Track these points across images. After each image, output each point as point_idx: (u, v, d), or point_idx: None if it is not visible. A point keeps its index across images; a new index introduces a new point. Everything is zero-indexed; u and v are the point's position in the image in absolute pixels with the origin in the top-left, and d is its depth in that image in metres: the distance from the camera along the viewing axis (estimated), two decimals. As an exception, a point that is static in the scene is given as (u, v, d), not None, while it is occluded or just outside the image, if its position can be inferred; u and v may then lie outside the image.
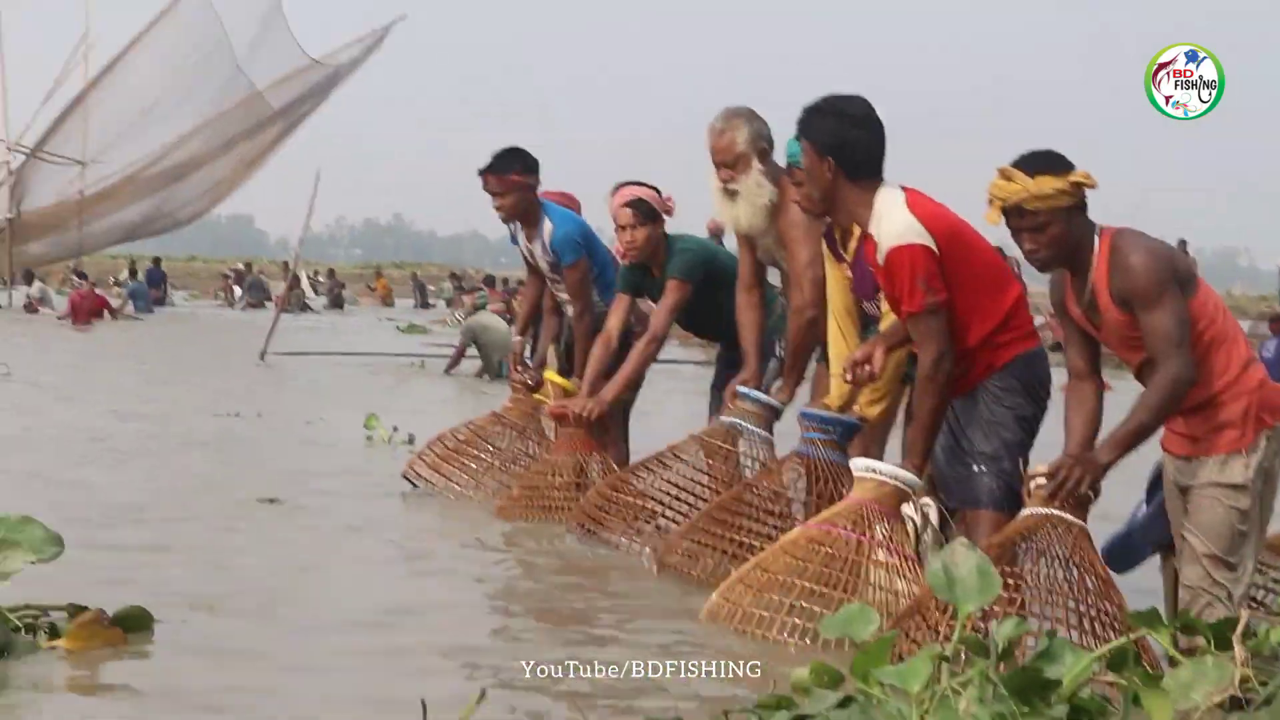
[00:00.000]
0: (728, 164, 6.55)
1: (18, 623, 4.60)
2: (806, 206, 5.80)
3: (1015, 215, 4.72)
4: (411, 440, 9.95)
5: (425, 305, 46.88)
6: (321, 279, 49.73)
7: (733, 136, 6.55)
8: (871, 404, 5.96)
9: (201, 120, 34.32)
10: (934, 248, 5.23)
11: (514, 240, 8.47)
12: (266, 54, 34.62)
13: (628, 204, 7.48)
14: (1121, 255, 4.68)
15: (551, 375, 8.25)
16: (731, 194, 6.54)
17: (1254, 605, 5.30)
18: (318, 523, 7.15)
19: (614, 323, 7.74)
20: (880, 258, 5.30)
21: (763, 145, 6.56)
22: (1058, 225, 4.69)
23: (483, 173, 8.14)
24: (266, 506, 7.47)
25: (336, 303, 43.25)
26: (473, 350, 18.41)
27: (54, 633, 4.65)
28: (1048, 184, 4.66)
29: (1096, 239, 4.75)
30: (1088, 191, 4.74)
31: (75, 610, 4.74)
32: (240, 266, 49.65)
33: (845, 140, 5.38)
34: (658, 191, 7.59)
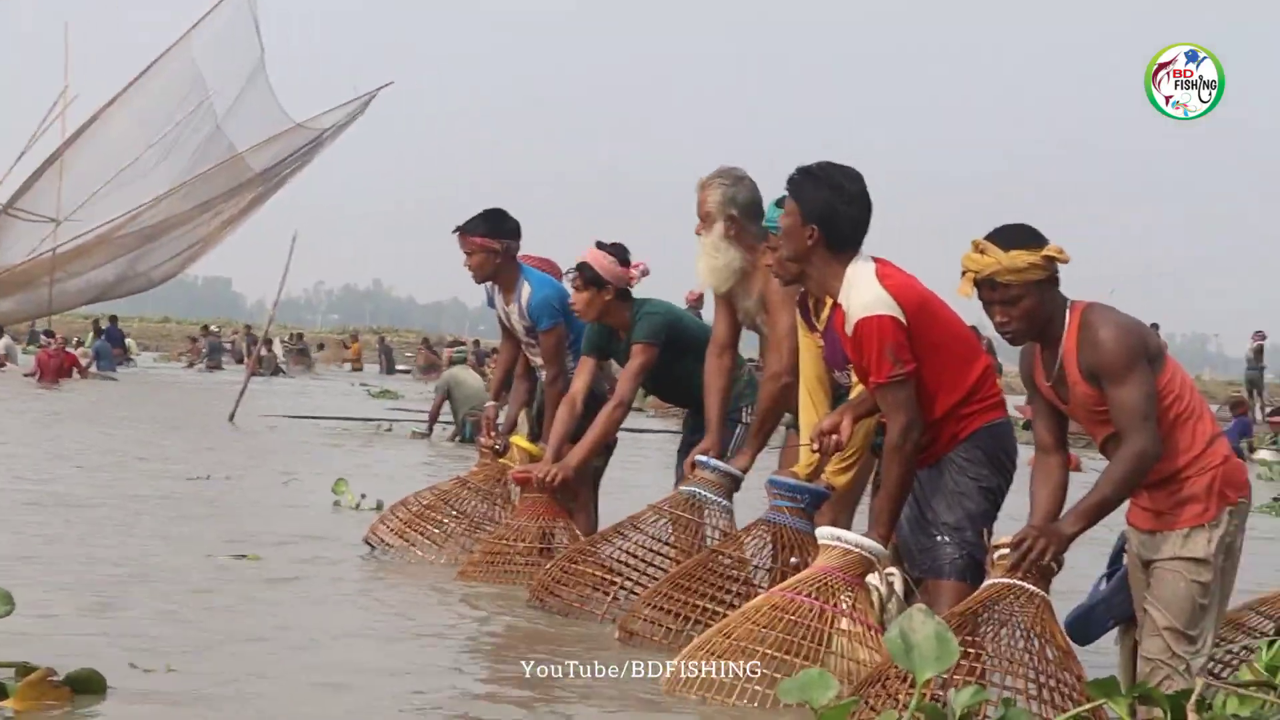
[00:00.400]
0: (700, 219, 6.68)
1: (-38, 684, 4.47)
2: (779, 271, 5.79)
3: (987, 288, 4.74)
4: (380, 506, 9.85)
5: (391, 370, 46.77)
6: (304, 346, 49.67)
7: (705, 195, 6.69)
8: (839, 473, 5.95)
9: (179, 180, 34.24)
10: (903, 319, 5.24)
11: (490, 303, 8.49)
12: (248, 116, 34.63)
13: (575, 267, 7.58)
14: (1092, 330, 4.69)
15: (519, 440, 8.22)
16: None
17: (1212, 677, 5.26)
18: (280, 587, 7.07)
19: (578, 386, 7.74)
20: (849, 328, 5.30)
21: (731, 211, 6.60)
22: (1030, 299, 4.71)
23: (457, 228, 8.23)
24: (228, 570, 7.40)
25: (302, 357, 43.18)
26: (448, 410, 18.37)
27: (2, 693, 4.52)
28: (1021, 258, 4.67)
29: (1067, 313, 4.76)
30: (1060, 266, 4.76)
31: (25, 670, 4.62)
32: (212, 328, 49.57)
33: (834, 214, 5.40)
34: (626, 256, 7.60)
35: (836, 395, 6.14)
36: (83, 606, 6.20)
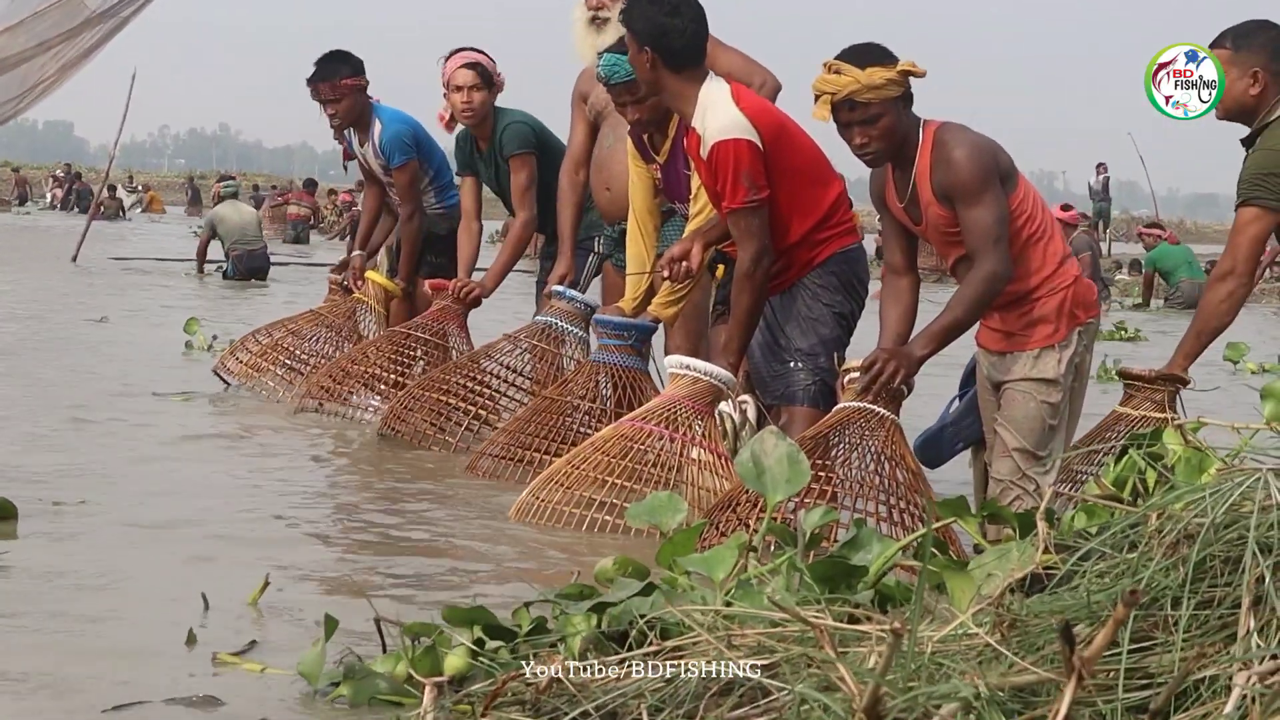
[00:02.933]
0: None
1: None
2: (643, 117, 5.63)
3: (846, 109, 4.63)
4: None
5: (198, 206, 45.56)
6: (138, 186, 48.38)
7: None
8: (666, 305, 5.85)
9: (14, 19, 32.94)
10: (759, 143, 5.14)
11: (351, 149, 8.27)
12: (82, -49, 33.32)
13: (468, 65, 7.27)
14: (945, 149, 4.63)
15: (373, 275, 8.09)
16: (601, 23, 6.29)
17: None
18: (137, 427, 6.87)
19: (469, 204, 7.58)
20: (704, 151, 5.18)
21: None
22: (889, 117, 4.62)
23: (312, 82, 7.93)
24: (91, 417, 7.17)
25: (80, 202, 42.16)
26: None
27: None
28: (878, 75, 4.58)
29: (920, 132, 4.68)
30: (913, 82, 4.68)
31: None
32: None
33: (663, 30, 5.23)
34: (491, 60, 7.39)
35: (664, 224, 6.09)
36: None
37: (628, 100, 5.67)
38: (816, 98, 4.67)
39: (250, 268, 17.63)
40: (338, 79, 7.86)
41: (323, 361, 8.07)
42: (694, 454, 5.18)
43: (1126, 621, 2.24)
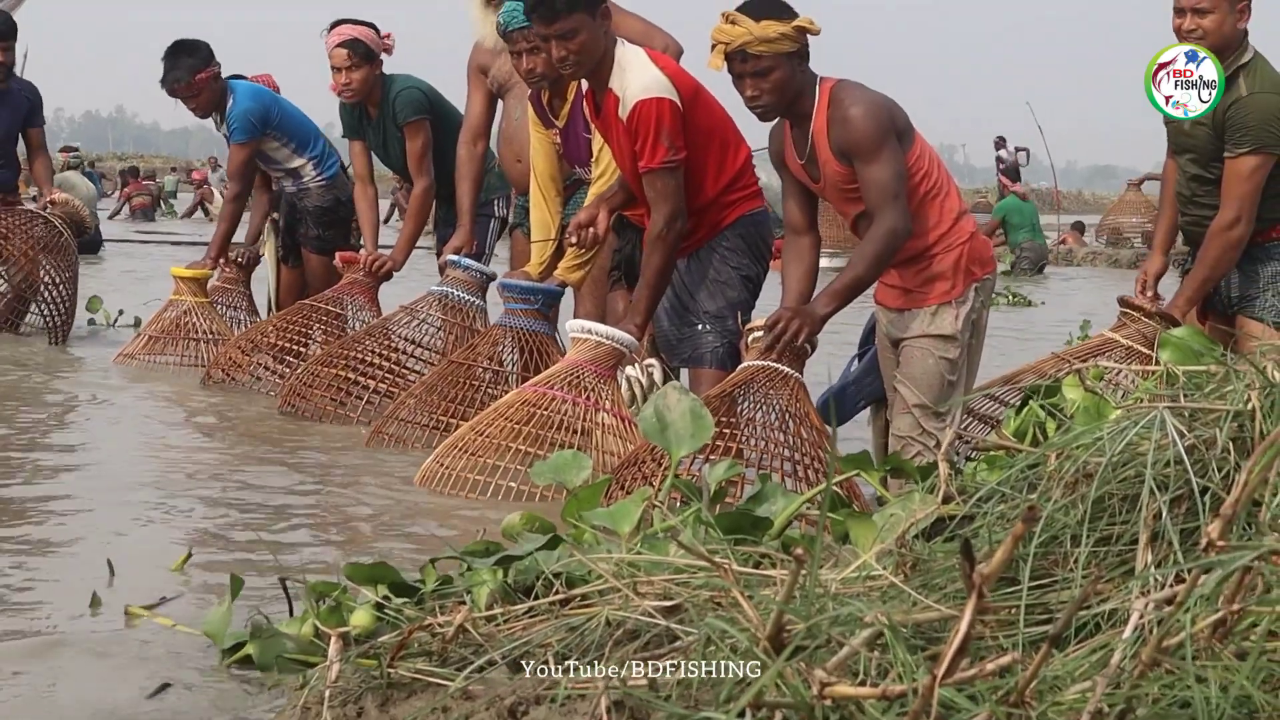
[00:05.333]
0: None
1: None
2: (537, 68, 5.60)
3: (739, 60, 4.63)
4: (137, 323, 9.53)
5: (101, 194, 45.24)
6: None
7: None
8: (572, 269, 5.85)
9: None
10: (679, 104, 5.14)
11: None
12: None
13: (342, 44, 7.20)
14: (841, 107, 4.64)
15: (177, 270, 8.09)
16: (498, 2, 6.14)
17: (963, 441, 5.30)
18: (51, 401, 6.79)
19: (361, 168, 7.57)
20: (624, 111, 5.15)
21: None
22: (781, 71, 4.62)
23: (165, 84, 7.80)
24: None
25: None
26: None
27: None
28: (772, 28, 4.58)
29: (817, 90, 4.70)
30: (810, 40, 4.68)
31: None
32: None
33: None
34: (375, 29, 7.31)
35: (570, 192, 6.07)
36: None
37: (524, 48, 5.64)
38: (713, 47, 4.68)
39: (86, 243, 18.19)
40: (191, 78, 7.72)
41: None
42: (597, 418, 5.17)
43: (1028, 555, 2.26)
